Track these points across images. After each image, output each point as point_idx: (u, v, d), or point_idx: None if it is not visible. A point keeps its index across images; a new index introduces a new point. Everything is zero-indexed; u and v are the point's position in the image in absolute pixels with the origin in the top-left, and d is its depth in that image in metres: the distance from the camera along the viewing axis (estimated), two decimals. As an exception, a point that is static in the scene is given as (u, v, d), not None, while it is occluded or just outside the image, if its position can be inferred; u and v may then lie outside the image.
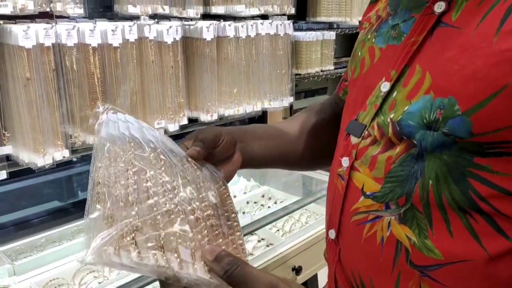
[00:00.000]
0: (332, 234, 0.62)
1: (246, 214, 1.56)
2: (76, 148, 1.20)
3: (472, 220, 0.48)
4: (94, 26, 1.18)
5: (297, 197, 1.67)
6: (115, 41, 1.22)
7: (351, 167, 0.58)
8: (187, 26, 1.43)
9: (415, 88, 0.51)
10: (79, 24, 1.18)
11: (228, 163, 0.66)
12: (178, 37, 1.37)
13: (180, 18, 1.41)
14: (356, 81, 0.64)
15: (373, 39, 0.62)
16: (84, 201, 0.51)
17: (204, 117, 1.47)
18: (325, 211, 0.66)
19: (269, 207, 1.63)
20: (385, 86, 0.55)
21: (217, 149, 0.63)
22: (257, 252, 1.34)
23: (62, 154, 1.18)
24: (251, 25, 1.54)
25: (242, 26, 1.51)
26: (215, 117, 1.49)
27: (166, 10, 1.35)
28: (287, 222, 1.52)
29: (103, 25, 1.21)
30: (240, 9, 1.49)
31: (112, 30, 1.21)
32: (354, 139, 0.58)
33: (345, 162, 0.59)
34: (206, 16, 1.47)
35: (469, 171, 0.47)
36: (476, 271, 0.48)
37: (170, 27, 1.34)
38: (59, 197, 1.54)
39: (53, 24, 1.13)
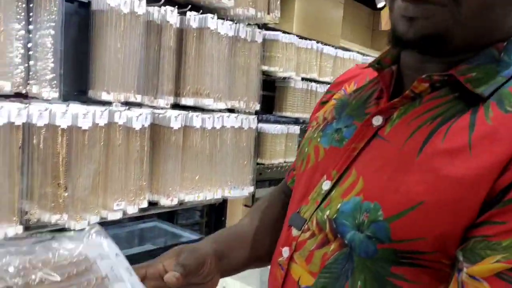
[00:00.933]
0: None
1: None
2: (29, 225, 1.20)
3: None
4: (66, 110, 1.25)
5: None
6: (85, 124, 1.28)
7: (291, 258, 0.61)
8: (156, 114, 1.51)
9: (349, 189, 0.57)
10: (52, 105, 1.25)
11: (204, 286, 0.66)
12: (146, 124, 1.44)
13: (151, 106, 1.50)
14: (302, 175, 0.69)
15: (319, 139, 0.67)
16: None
17: (164, 201, 1.51)
18: None
19: (222, 296, 1.62)
20: (326, 184, 0.61)
21: (197, 278, 0.64)
22: None
23: (15, 230, 1.17)
24: (217, 118, 1.64)
25: (209, 118, 1.61)
26: (175, 201, 1.53)
27: (138, 98, 1.44)
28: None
29: (76, 108, 1.28)
30: (208, 103, 1.59)
31: (83, 114, 1.27)
32: (295, 231, 0.62)
33: (286, 252, 0.62)
34: (176, 106, 1.57)
35: (389, 280, 0.52)
36: None
37: (140, 114, 1.42)
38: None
39: (27, 105, 1.20)
